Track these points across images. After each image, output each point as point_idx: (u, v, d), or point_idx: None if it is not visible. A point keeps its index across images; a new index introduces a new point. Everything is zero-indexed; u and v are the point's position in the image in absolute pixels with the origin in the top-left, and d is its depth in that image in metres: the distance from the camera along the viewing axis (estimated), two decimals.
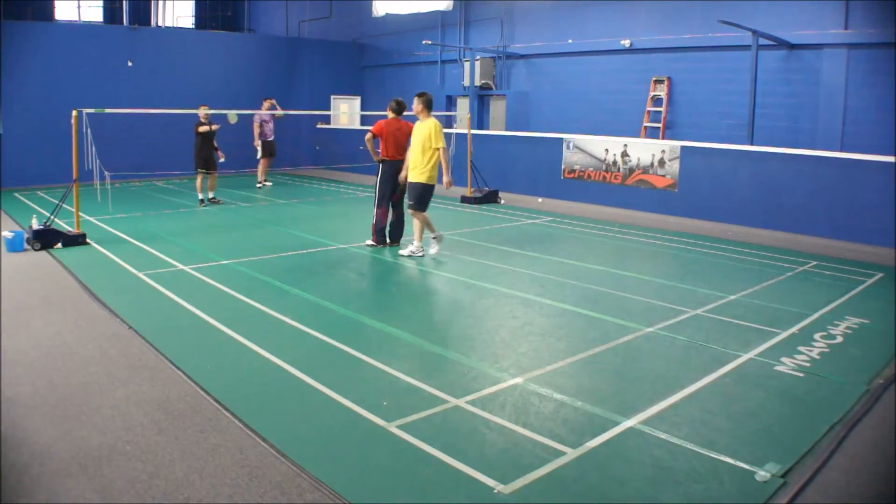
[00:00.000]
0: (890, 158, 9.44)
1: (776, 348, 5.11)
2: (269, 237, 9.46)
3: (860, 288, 7.10)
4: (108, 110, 10.02)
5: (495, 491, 3.10)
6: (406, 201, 8.20)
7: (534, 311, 6.01)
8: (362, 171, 16.93)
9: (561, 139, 13.84)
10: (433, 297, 6.99)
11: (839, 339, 5.35)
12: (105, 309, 5.90)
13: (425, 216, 8.04)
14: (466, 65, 17.39)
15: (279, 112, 15.12)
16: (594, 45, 15.28)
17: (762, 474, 3.26)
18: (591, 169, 13.30)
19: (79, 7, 22.04)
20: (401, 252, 8.25)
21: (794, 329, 5.57)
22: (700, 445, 3.55)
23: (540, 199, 13.58)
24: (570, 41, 15.81)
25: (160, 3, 22.94)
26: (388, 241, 8.70)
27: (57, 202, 9.38)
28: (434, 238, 8.10)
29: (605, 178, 13.08)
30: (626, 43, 14.60)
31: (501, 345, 5.15)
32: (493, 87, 17.48)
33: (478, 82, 17.23)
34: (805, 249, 9.16)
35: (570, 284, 7.01)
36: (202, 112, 11.94)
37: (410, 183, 8.00)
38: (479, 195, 12.96)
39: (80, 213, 9.05)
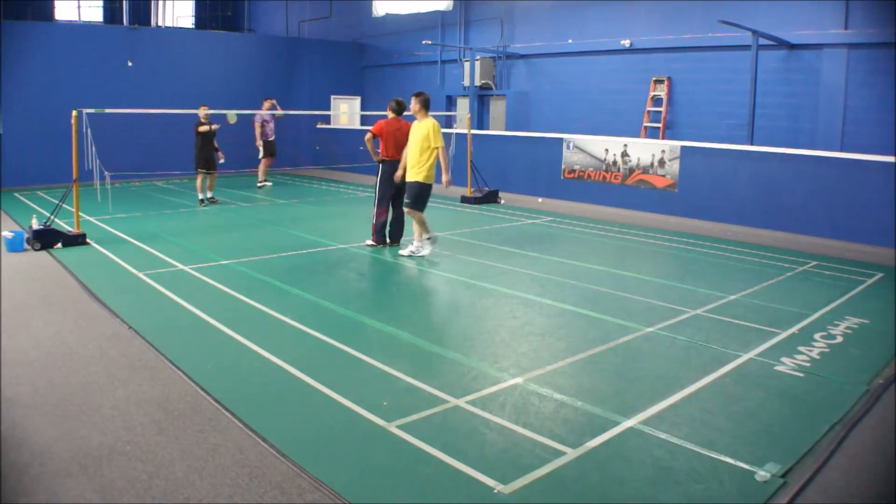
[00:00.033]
0: (890, 158, 9.44)
1: (776, 348, 5.11)
2: (269, 237, 9.46)
3: (860, 288, 7.10)
4: (108, 110, 10.01)
5: (495, 491, 3.10)
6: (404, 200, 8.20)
7: (534, 311, 6.01)
8: (362, 171, 16.93)
9: (561, 139, 13.84)
10: (433, 297, 6.99)
11: (839, 339, 5.35)
12: (105, 309, 5.90)
13: (421, 216, 8.03)
14: (466, 65, 17.40)
15: (279, 112, 15.14)
16: (594, 45, 15.28)
17: (762, 474, 3.26)
18: (591, 169, 13.30)
19: (79, 7, 22.04)
20: (401, 252, 8.25)
21: (794, 329, 5.57)
22: (700, 445, 3.55)
23: (540, 199, 13.58)
24: (570, 41, 15.82)
25: (160, 3, 22.94)
26: (388, 241, 8.70)
27: (57, 202, 9.38)
28: (428, 239, 8.09)
29: (605, 178, 13.08)
30: (626, 43, 14.60)
31: (501, 345, 5.15)
32: (493, 87, 17.48)
33: (478, 82, 17.23)
34: (805, 249, 9.16)
35: (570, 284, 7.01)
36: (202, 112, 11.95)
37: (408, 182, 8.00)
38: (479, 195, 12.96)
39: (80, 213, 9.05)
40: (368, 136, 8.48)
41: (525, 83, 17.07)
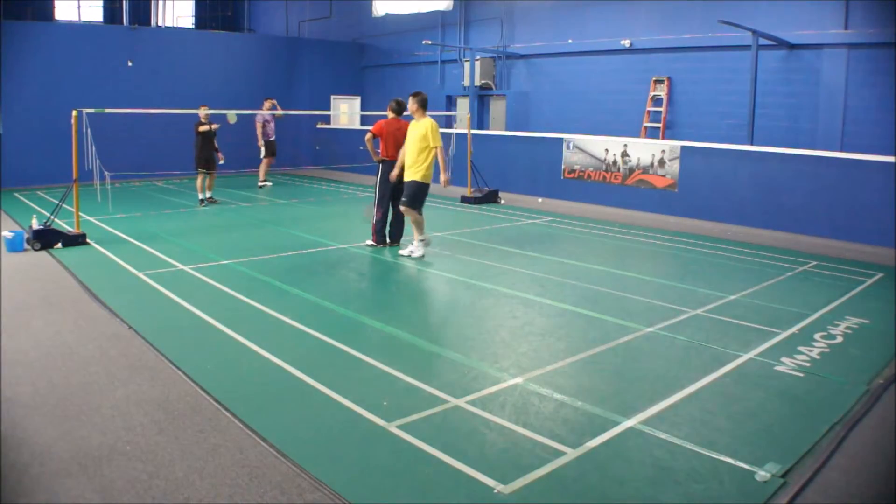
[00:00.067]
0: (890, 158, 9.44)
1: (776, 348, 5.11)
2: (269, 237, 9.46)
3: (860, 288, 7.10)
4: (108, 110, 10.01)
5: (495, 491, 3.10)
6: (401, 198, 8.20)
7: (534, 311, 6.01)
8: (362, 171, 16.94)
9: (561, 139, 13.84)
10: (433, 297, 6.99)
11: (839, 339, 5.35)
12: (105, 309, 5.90)
13: (416, 216, 8.03)
14: (466, 65, 17.40)
15: (279, 112, 15.16)
16: (594, 45, 15.28)
17: (762, 474, 3.26)
18: (591, 169, 13.30)
19: (79, 7, 22.04)
20: (401, 252, 8.25)
21: (794, 329, 5.57)
22: (700, 445, 3.55)
23: (540, 199, 13.58)
24: (570, 41, 15.82)
25: (160, 3, 22.94)
26: (388, 241, 8.70)
27: (57, 202, 9.38)
28: (421, 241, 8.07)
29: (605, 178, 13.08)
30: (626, 43, 14.60)
31: (501, 345, 5.15)
32: (493, 87, 17.48)
33: (478, 82, 17.23)
34: (805, 249, 9.16)
35: (570, 284, 7.01)
36: (202, 112, 11.96)
37: (405, 181, 8.01)
38: (479, 195, 12.96)
39: (80, 213, 9.05)
40: (368, 136, 8.49)
41: (525, 83, 17.07)
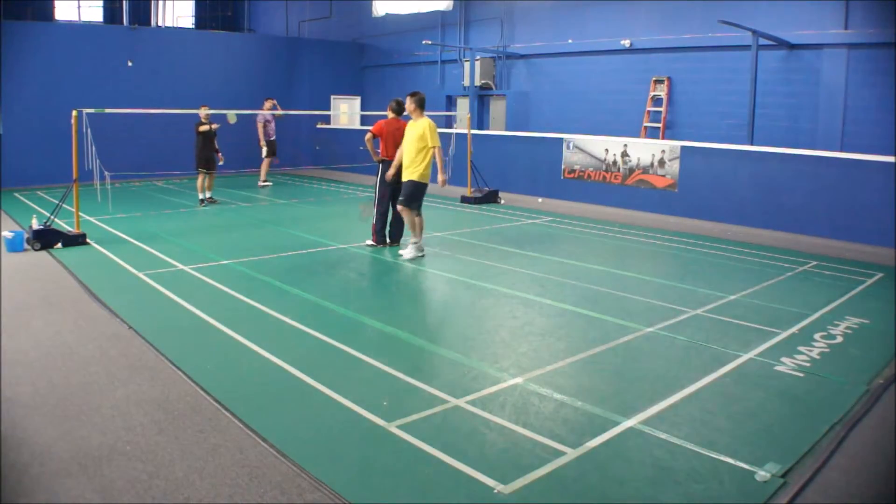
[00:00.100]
0: (890, 158, 9.44)
1: (776, 348, 5.11)
2: (269, 237, 9.46)
3: (860, 288, 7.10)
4: (108, 110, 10.01)
5: (495, 491, 3.10)
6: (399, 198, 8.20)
7: (534, 311, 6.01)
8: (362, 171, 16.93)
9: (561, 139, 13.84)
10: (433, 297, 6.99)
11: (839, 339, 5.35)
12: (105, 309, 5.90)
13: (412, 217, 8.03)
14: (466, 65, 17.39)
15: (279, 112, 15.20)
16: (594, 45, 15.28)
17: (762, 474, 3.26)
18: (591, 169, 13.30)
19: (79, 7, 22.04)
20: (400, 252, 8.24)
21: (794, 329, 5.57)
22: (700, 445, 3.55)
23: (540, 199, 13.58)
24: (570, 41, 15.82)
25: (160, 3, 22.94)
26: (388, 241, 8.70)
27: (57, 202, 9.38)
28: (413, 243, 8.06)
29: (605, 178, 13.08)
30: (626, 43, 14.60)
31: (501, 345, 5.15)
32: (493, 87, 17.48)
33: (478, 82, 17.23)
34: (805, 249, 9.16)
35: (570, 284, 7.01)
36: (203, 112, 11.97)
37: (403, 181, 8.01)
38: (479, 195, 12.96)
39: (80, 213, 9.05)
40: (368, 136, 8.50)
41: (525, 83, 17.07)
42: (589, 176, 13.34)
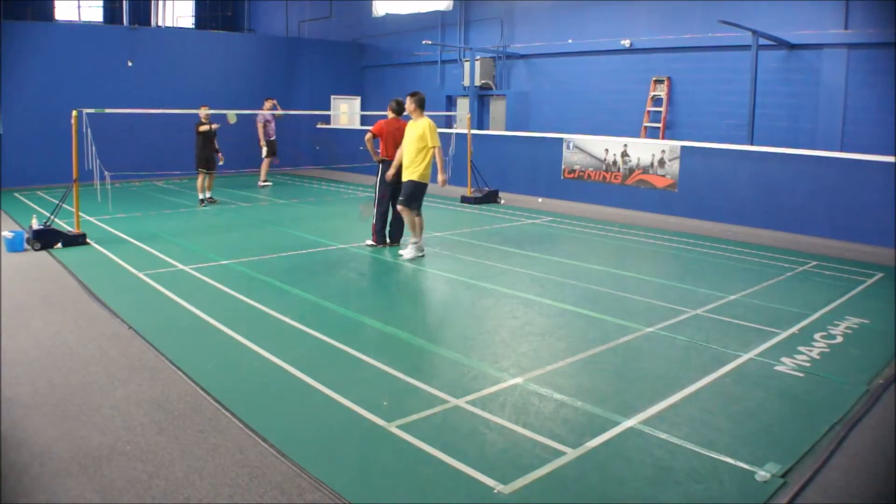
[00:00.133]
0: (890, 158, 9.44)
1: (776, 348, 5.11)
2: (269, 237, 9.46)
3: (860, 288, 7.10)
4: (108, 110, 10.01)
5: (495, 491, 3.10)
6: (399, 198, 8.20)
7: (534, 311, 6.01)
8: (362, 171, 16.93)
9: (561, 139, 13.84)
10: (433, 297, 6.99)
11: (839, 339, 5.35)
12: (105, 309, 5.90)
13: (412, 217, 8.03)
14: (466, 65, 17.39)
15: (279, 112, 15.23)
16: (594, 45, 15.28)
17: (762, 474, 3.26)
18: (591, 169, 13.30)
19: (79, 7, 22.04)
20: (401, 252, 8.24)
21: (794, 329, 5.57)
22: (700, 445, 3.55)
23: (540, 199, 13.58)
24: (570, 41, 15.82)
25: (160, 3, 22.94)
26: (388, 241, 8.70)
27: (57, 202, 9.38)
28: (413, 244, 8.06)
29: (605, 178, 13.08)
30: (626, 43, 14.60)
31: (501, 345, 5.15)
32: (493, 87, 17.48)
33: (478, 82, 17.23)
34: (805, 249, 9.16)
35: (570, 284, 7.01)
36: (203, 112, 11.98)
37: (403, 181, 8.02)
38: (479, 195, 12.96)
39: (80, 213, 9.05)
40: (368, 136, 8.50)
41: (525, 83, 17.07)
42: (589, 176, 13.34)
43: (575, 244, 9.30)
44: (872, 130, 11.20)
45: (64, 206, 8.99)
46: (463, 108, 18.03)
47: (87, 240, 8.70)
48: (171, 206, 12.30)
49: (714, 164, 11.52)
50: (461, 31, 18.24)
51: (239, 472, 3.25)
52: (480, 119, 17.72)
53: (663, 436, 3.65)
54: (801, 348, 5.10)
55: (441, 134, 8.13)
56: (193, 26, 24.31)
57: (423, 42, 17.71)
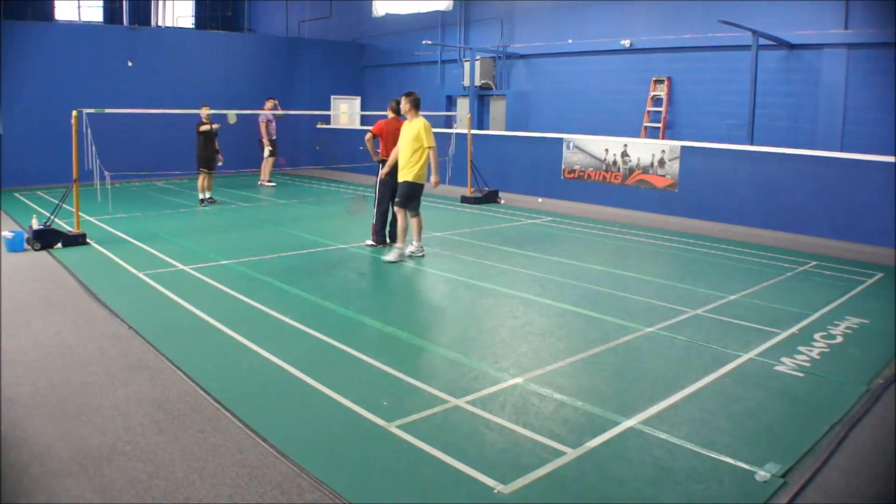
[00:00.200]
0: (890, 158, 9.44)
1: (776, 348, 5.11)
2: (269, 237, 9.46)
3: (860, 288, 7.10)
4: (108, 110, 10.01)
5: (495, 491, 3.10)
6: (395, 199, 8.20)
7: (534, 311, 6.01)
8: (362, 171, 16.93)
9: (561, 139, 13.84)
10: (433, 297, 6.99)
11: (839, 339, 5.35)
12: (105, 309, 5.90)
13: (406, 219, 8.01)
14: (466, 65, 17.40)
15: (279, 112, 15.26)
16: (594, 45, 15.28)
17: (762, 474, 3.26)
18: (591, 169, 13.30)
19: (79, 7, 22.04)
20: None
21: (794, 329, 5.57)
22: (700, 445, 3.55)
23: (540, 199, 13.58)
24: (570, 41, 15.82)
25: (160, 3, 22.93)
26: (388, 241, 8.70)
27: (57, 202, 9.38)
28: (397, 247, 7.97)
29: (605, 178, 13.08)
30: (626, 43, 14.60)
31: (501, 345, 5.15)
32: (493, 87, 17.48)
33: (478, 82, 17.23)
34: (805, 249, 9.16)
35: (570, 284, 7.01)
36: (204, 112, 11.99)
37: (399, 182, 8.01)
38: (479, 195, 12.96)
39: (80, 213, 9.05)
40: (368, 136, 8.50)
41: (525, 83, 17.07)
42: (589, 176, 13.34)
43: (575, 244, 9.30)
44: (872, 130, 11.20)
45: (64, 206, 8.99)
46: (463, 108, 18.03)
47: (87, 240, 8.70)
48: (171, 206, 12.30)
49: (714, 164, 11.52)
50: (461, 31, 18.24)
51: (239, 472, 3.25)
52: (480, 119, 17.73)
53: (663, 436, 3.65)
54: (801, 348, 5.10)
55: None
56: (193, 26, 24.31)
57: (423, 42, 17.71)
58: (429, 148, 7.81)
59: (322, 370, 4.51)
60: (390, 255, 7.97)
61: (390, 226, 8.70)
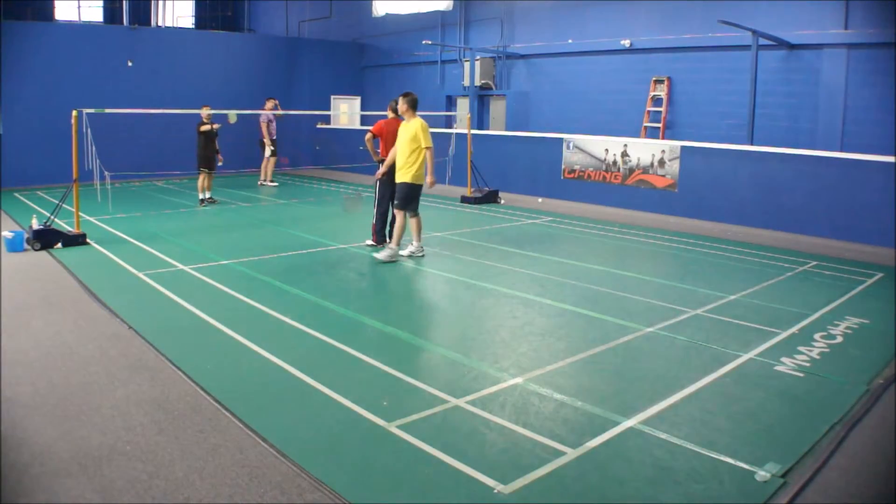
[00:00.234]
0: (890, 158, 9.44)
1: (776, 348, 5.11)
2: (269, 237, 9.46)
3: (860, 288, 7.10)
4: (108, 110, 10.01)
5: (495, 491, 3.10)
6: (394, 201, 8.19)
7: (534, 311, 6.01)
8: (362, 171, 16.93)
9: (561, 139, 13.84)
10: (433, 297, 6.99)
11: (839, 339, 5.35)
12: (105, 309, 5.90)
13: (404, 221, 8.00)
14: (466, 65, 17.39)
15: (279, 112, 15.28)
16: (594, 45, 15.28)
17: (762, 474, 3.26)
18: (591, 169, 13.30)
19: (79, 7, 22.03)
20: (401, 252, 8.24)
21: (794, 329, 5.57)
22: (700, 445, 3.55)
23: (540, 199, 13.58)
24: (570, 41, 15.82)
25: (160, 3, 22.93)
26: (388, 240, 8.69)
27: (57, 202, 9.38)
28: (390, 247, 7.95)
29: (605, 178, 13.08)
30: (626, 43, 14.60)
31: (501, 345, 5.15)
32: (493, 87, 17.48)
33: (478, 82, 17.23)
34: (805, 249, 9.16)
35: (570, 284, 7.01)
36: (205, 112, 12.00)
37: (397, 183, 8.01)
38: (479, 195, 12.96)
39: (80, 213, 9.05)
40: (368, 136, 8.50)
41: (525, 83, 17.07)
42: (589, 176, 13.34)
43: (575, 244, 9.30)
44: (872, 130, 11.20)
45: (64, 206, 8.99)
46: (463, 108, 18.03)
47: (87, 240, 8.70)
48: (171, 206, 12.30)
49: (714, 164, 11.52)
50: (461, 31, 18.24)
51: (239, 472, 3.25)
52: (480, 119, 17.72)
53: (663, 436, 3.65)
54: (801, 348, 5.10)
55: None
56: (193, 26, 24.31)
57: (423, 42, 17.71)
58: (426, 148, 7.81)
59: (322, 370, 4.51)
60: (382, 254, 7.97)
61: (390, 225, 8.69)
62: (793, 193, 10.50)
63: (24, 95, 15.17)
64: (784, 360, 4.85)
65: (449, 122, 17.96)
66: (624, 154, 12.72)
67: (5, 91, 14.78)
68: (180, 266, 7.49)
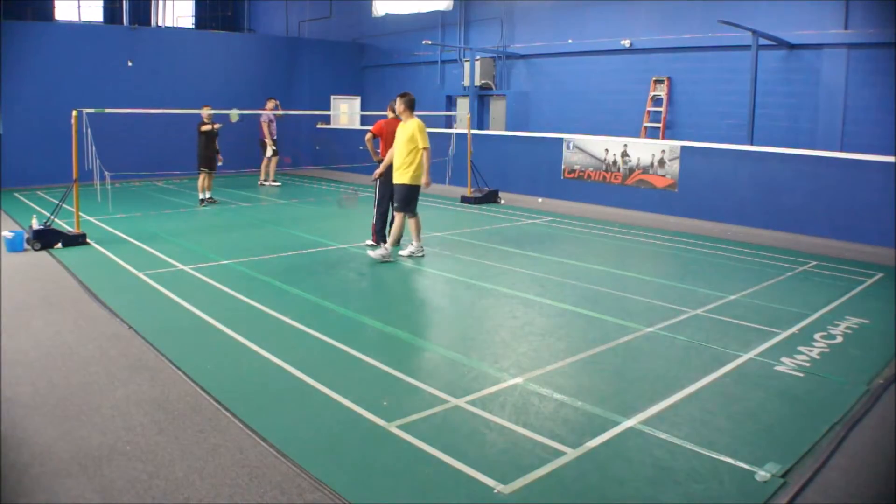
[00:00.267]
0: (890, 158, 9.44)
1: (776, 348, 5.11)
2: (269, 237, 9.46)
3: (860, 288, 7.10)
4: (108, 110, 10.01)
5: (495, 491, 3.10)
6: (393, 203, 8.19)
7: (534, 311, 6.01)
8: (362, 171, 16.92)
9: (561, 139, 13.84)
10: (433, 297, 6.99)
11: (839, 339, 5.35)
12: (105, 309, 5.90)
13: (402, 222, 7.99)
14: (466, 65, 17.39)
15: (279, 112, 15.29)
16: (594, 45, 15.28)
17: (762, 474, 3.26)
18: (591, 169, 13.29)
19: (79, 7, 22.03)
20: (401, 252, 8.24)
21: (794, 329, 5.57)
22: (700, 445, 3.55)
23: (540, 199, 13.58)
24: (570, 41, 15.82)
25: (160, 3, 22.93)
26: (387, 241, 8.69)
27: (57, 202, 9.38)
28: (384, 247, 7.94)
29: (605, 178, 13.08)
30: (626, 43, 14.60)
31: (501, 345, 5.15)
32: (493, 87, 17.48)
33: (478, 82, 17.23)
34: (805, 249, 9.16)
35: (570, 284, 7.01)
36: (206, 112, 12.00)
37: (395, 184, 8.00)
38: (479, 195, 12.96)
39: (80, 213, 9.05)
40: (368, 136, 8.50)
41: (525, 83, 17.07)
42: (589, 176, 13.33)
43: (575, 244, 9.30)
44: (872, 130, 11.19)
45: (64, 206, 8.99)
46: (463, 108, 18.03)
47: (87, 240, 8.70)
48: (171, 206, 12.30)
49: (714, 164, 11.52)
50: (461, 31, 18.24)
51: (239, 472, 3.25)
52: (480, 119, 17.72)
53: (663, 436, 3.65)
54: (801, 348, 5.10)
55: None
56: (193, 26, 24.31)
57: (423, 42, 17.71)
58: (423, 149, 7.81)
59: (322, 370, 4.51)
60: (376, 253, 7.96)
61: (390, 225, 8.69)
62: (793, 193, 10.51)
63: (24, 95, 15.17)
64: (784, 360, 4.85)
65: (449, 122, 17.96)
66: (624, 154, 12.72)
67: (5, 91, 14.78)
68: (180, 266, 7.49)
